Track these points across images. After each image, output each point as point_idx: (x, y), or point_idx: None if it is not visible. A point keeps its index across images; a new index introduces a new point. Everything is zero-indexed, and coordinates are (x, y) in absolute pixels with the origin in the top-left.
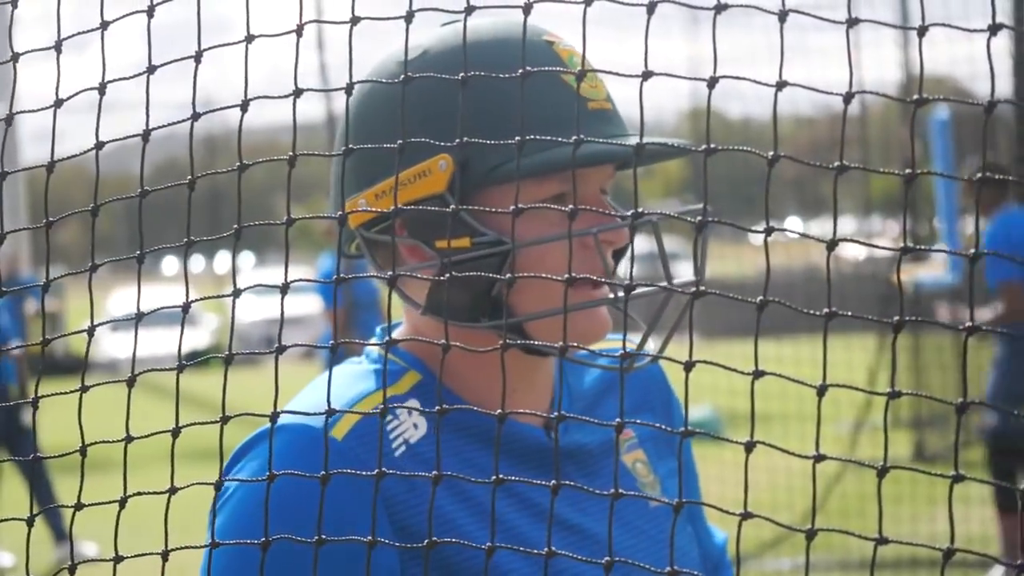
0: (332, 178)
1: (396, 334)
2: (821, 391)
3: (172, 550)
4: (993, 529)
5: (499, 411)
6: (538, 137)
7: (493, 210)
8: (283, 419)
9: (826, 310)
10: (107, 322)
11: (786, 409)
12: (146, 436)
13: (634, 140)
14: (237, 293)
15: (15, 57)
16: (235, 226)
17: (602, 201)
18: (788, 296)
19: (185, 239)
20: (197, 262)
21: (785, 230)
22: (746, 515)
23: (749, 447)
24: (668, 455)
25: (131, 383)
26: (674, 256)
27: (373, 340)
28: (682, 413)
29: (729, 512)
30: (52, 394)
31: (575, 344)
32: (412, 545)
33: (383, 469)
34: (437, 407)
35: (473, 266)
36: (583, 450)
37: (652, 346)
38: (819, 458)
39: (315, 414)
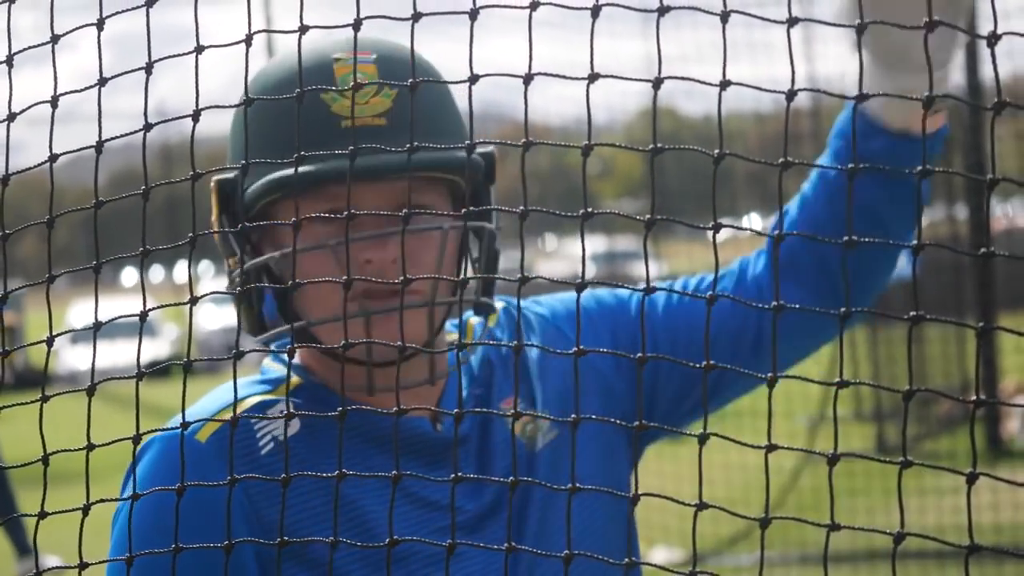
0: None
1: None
2: (771, 383)
3: (136, 556)
4: (949, 519)
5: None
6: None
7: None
8: (160, 432)
9: (774, 303)
10: (66, 332)
11: (739, 406)
12: (108, 444)
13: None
14: (194, 300)
15: None
16: (190, 234)
17: (380, 217)
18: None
19: (141, 249)
20: (156, 272)
21: (732, 226)
22: (702, 506)
23: (702, 439)
24: (566, 372)
25: (91, 392)
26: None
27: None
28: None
29: (686, 504)
30: (13, 404)
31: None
32: (263, 541)
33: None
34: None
35: (245, 281)
36: (470, 433)
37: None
38: (770, 448)
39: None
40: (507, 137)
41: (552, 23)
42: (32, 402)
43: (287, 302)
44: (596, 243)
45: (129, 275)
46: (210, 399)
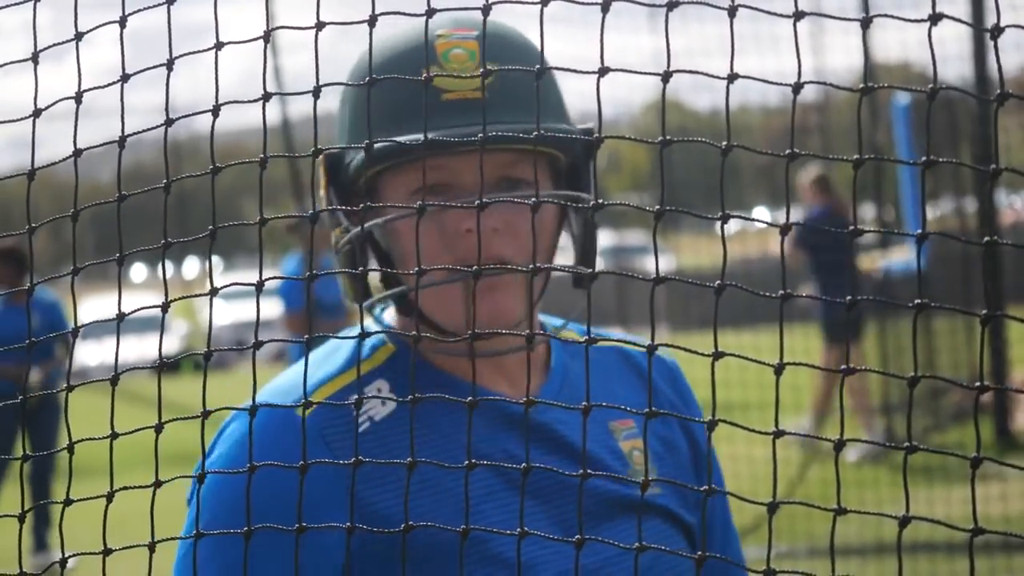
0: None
1: (390, 311)
2: (779, 370)
3: (159, 541)
4: (958, 510)
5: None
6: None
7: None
8: (260, 395)
9: (781, 292)
10: (91, 323)
11: (747, 398)
12: (129, 432)
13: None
14: (214, 291)
15: None
16: (209, 227)
17: (470, 188)
18: (747, 284)
19: (161, 242)
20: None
21: (740, 217)
22: (709, 491)
23: (711, 426)
24: (677, 451)
25: (114, 382)
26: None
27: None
28: (693, 399)
29: (695, 489)
30: (37, 394)
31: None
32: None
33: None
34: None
35: (350, 253)
36: (566, 426)
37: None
38: (778, 434)
39: (289, 404)
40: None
41: (557, 18)
42: (56, 392)
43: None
44: (605, 237)
45: (139, 271)
46: (300, 373)
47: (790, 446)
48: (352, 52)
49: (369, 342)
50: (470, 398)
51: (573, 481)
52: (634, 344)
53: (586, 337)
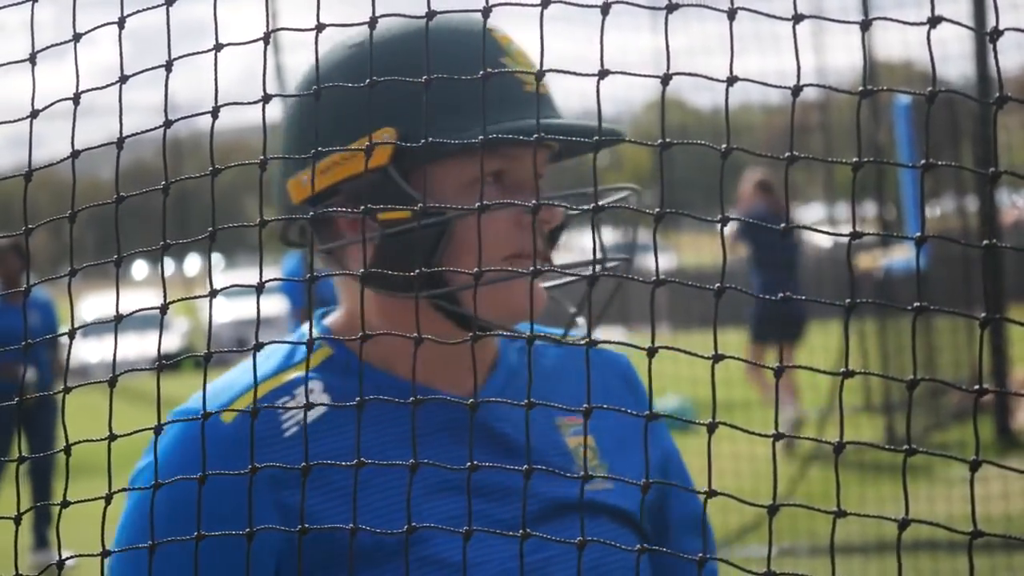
0: (283, 152)
1: (332, 315)
2: (778, 373)
3: (159, 543)
4: (959, 509)
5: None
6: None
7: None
8: (180, 407)
9: (780, 295)
10: (92, 323)
11: (748, 397)
12: (130, 434)
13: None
14: (214, 293)
15: None
16: (209, 228)
17: (535, 183)
18: (748, 285)
19: (160, 243)
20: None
21: (739, 219)
22: (711, 494)
23: (711, 428)
24: (632, 450)
25: (112, 383)
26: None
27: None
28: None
29: (695, 491)
30: (37, 395)
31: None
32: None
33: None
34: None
35: (411, 239)
36: (508, 423)
37: (596, 332)
38: (778, 436)
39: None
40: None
41: (556, 16)
42: (55, 393)
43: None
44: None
45: (139, 268)
46: (235, 375)
47: (790, 445)
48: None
49: (302, 347)
50: (412, 398)
51: (515, 481)
52: (637, 347)
53: (586, 339)
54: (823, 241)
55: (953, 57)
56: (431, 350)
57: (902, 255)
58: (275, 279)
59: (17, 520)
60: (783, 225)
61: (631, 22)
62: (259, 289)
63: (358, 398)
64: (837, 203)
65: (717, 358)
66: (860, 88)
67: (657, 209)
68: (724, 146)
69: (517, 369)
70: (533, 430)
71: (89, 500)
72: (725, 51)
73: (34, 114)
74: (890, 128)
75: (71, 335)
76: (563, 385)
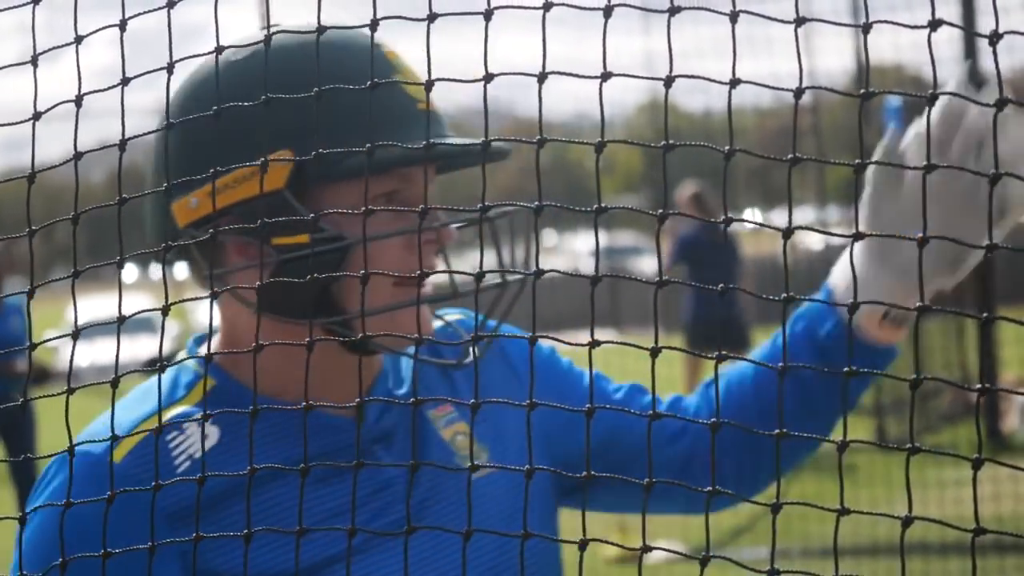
0: (153, 176)
1: (213, 340)
2: (782, 372)
3: (159, 543)
4: (951, 510)
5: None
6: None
7: (337, 210)
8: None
9: (784, 295)
10: (88, 326)
11: None
12: (131, 435)
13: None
14: (215, 295)
15: None
16: (210, 230)
17: (431, 199)
18: (754, 286)
19: (164, 245)
20: (155, 269)
21: (743, 220)
22: (714, 491)
23: (715, 428)
24: (514, 425)
25: (115, 384)
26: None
27: (183, 353)
28: (525, 363)
29: (697, 489)
30: (39, 396)
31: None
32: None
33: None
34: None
35: (309, 263)
36: (394, 431)
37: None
38: (781, 436)
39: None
40: (507, 133)
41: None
42: (58, 394)
43: (328, 290)
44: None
45: (129, 271)
46: (125, 410)
47: None
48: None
49: (184, 380)
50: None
51: (401, 484)
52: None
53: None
54: (815, 244)
55: (943, 60)
56: (316, 374)
57: None
58: (274, 280)
59: (22, 520)
60: (786, 227)
61: (624, 25)
62: (259, 292)
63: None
64: (828, 206)
65: (720, 357)
66: (861, 91)
67: (660, 211)
68: (727, 148)
69: (399, 369)
70: (416, 436)
71: (88, 502)
72: (718, 54)
73: (36, 116)
74: (880, 130)
75: (75, 336)
76: (427, 378)
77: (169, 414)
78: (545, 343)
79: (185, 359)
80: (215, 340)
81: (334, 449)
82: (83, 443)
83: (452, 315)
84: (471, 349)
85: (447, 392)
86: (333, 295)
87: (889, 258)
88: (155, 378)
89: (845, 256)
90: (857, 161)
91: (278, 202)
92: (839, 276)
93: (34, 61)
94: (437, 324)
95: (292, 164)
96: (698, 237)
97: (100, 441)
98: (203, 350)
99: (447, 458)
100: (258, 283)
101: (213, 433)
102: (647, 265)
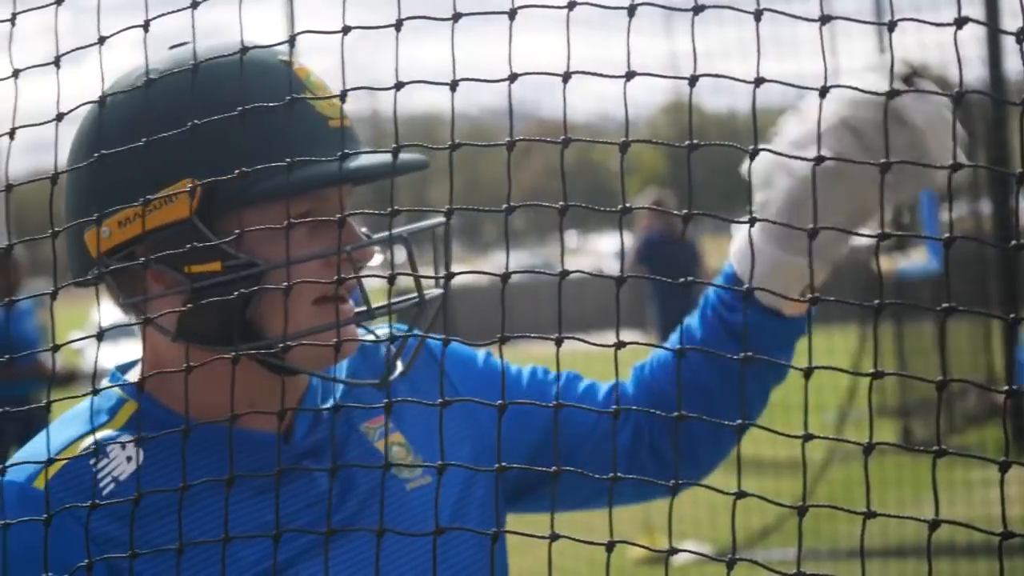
0: (66, 206)
1: (134, 369)
2: (808, 373)
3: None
4: (978, 511)
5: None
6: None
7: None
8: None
9: (809, 296)
10: (113, 327)
11: (770, 399)
12: (156, 436)
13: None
14: (242, 295)
15: (15, 72)
16: (237, 231)
17: (349, 219)
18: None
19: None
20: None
21: (768, 220)
22: (740, 495)
23: (741, 430)
24: (451, 433)
25: (140, 387)
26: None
27: (106, 381)
28: (461, 365)
29: (725, 492)
30: (65, 397)
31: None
32: None
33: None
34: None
35: (223, 290)
36: (324, 446)
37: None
38: (807, 437)
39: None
40: (531, 134)
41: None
42: (84, 395)
43: (245, 312)
44: (617, 239)
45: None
46: (51, 435)
47: (812, 448)
48: (371, 55)
49: (107, 404)
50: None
51: (340, 503)
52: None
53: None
54: None
55: (968, 60)
56: (240, 392)
57: (918, 259)
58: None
59: (47, 523)
60: (882, 232)
61: (647, 26)
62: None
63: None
64: None
65: (744, 359)
66: (886, 89)
67: (684, 211)
68: (752, 147)
69: (324, 386)
70: (348, 453)
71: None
72: (743, 55)
73: (59, 118)
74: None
75: (99, 337)
76: (359, 389)
77: (88, 442)
78: (462, 346)
79: (108, 386)
80: (139, 366)
81: (263, 465)
82: (11, 467)
83: (381, 330)
84: (397, 364)
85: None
86: (252, 321)
87: (787, 241)
88: (80, 404)
89: (740, 238)
90: (883, 160)
91: (188, 229)
92: (739, 260)
93: (57, 62)
94: (368, 338)
95: (198, 192)
96: (660, 239)
97: (35, 462)
98: (130, 376)
99: (393, 487)
100: (166, 311)
101: (138, 456)
102: None
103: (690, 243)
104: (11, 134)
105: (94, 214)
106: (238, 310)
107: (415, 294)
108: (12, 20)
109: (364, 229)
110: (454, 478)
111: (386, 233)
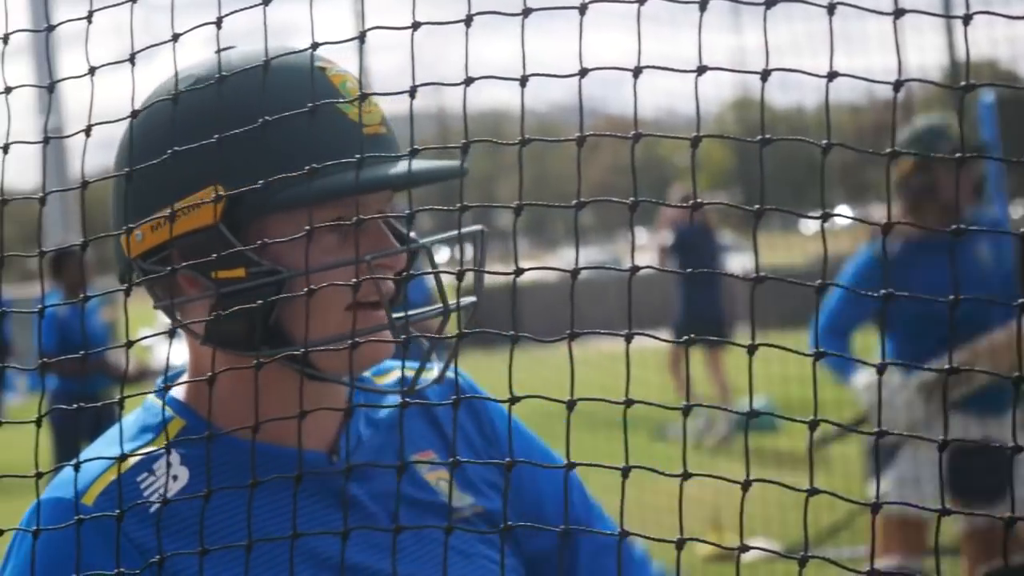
0: (112, 208)
1: (182, 375)
2: (881, 369)
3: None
4: None
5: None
6: (318, 165)
7: (265, 241)
8: (45, 492)
9: (883, 291)
10: (183, 324)
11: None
12: (230, 432)
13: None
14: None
15: (92, 70)
16: (307, 227)
17: (380, 225)
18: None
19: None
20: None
21: (842, 215)
22: (812, 491)
23: (812, 425)
24: (494, 473)
25: (211, 382)
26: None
27: (151, 390)
28: (504, 421)
29: (796, 489)
30: (138, 393)
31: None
32: None
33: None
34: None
35: (249, 296)
36: (368, 469)
37: (436, 369)
38: (881, 434)
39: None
40: (599, 130)
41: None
42: (154, 392)
43: (275, 321)
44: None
45: None
46: (95, 453)
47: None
48: (438, 52)
49: (153, 420)
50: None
51: (384, 521)
52: (738, 344)
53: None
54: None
55: None
56: (283, 409)
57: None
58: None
59: (119, 518)
60: (956, 227)
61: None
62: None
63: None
64: None
65: (818, 355)
66: (962, 83)
67: (756, 206)
68: (824, 142)
69: (366, 412)
70: (387, 474)
71: (189, 498)
72: (812, 51)
73: (134, 115)
74: (972, 127)
75: (171, 335)
76: (408, 422)
77: (138, 456)
78: (520, 422)
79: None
80: (184, 379)
81: (310, 485)
82: (58, 483)
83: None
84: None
85: (434, 438)
86: (281, 326)
87: None
88: (126, 419)
89: None
90: (958, 155)
91: (215, 235)
92: None
93: (132, 60)
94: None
95: (224, 198)
96: (692, 231)
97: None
98: (174, 390)
99: (433, 500)
100: (196, 317)
101: (183, 474)
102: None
103: (712, 231)
104: (87, 131)
105: (131, 214)
106: (261, 317)
107: (467, 298)
108: (88, 18)
109: (412, 233)
110: (497, 519)
111: (414, 242)
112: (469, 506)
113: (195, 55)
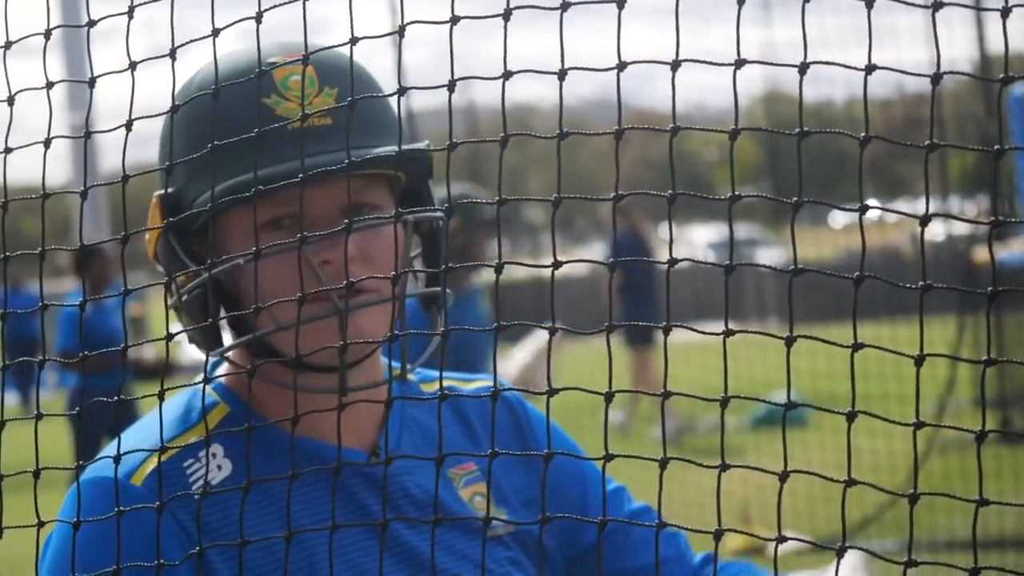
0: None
1: (223, 367)
2: (919, 361)
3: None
4: None
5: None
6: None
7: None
8: (87, 471)
9: (921, 283)
10: (213, 320)
11: (868, 390)
12: (263, 426)
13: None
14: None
15: (132, 65)
16: (345, 220)
17: (331, 219)
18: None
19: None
20: None
21: (879, 207)
22: (850, 482)
23: (851, 417)
24: (530, 483)
25: (250, 374)
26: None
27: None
28: (543, 429)
29: (834, 480)
30: (179, 387)
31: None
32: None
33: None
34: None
35: (200, 297)
36: (404, 468)
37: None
38: (919, 425)
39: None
40: (628, 124)
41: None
42: (189, 385)
43: (240, 314)
44: (712, 231)
45: None
46: (142, 435)
47: (909, 439)
48: (469, 46)
49: (198, 404)
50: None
51: (411, 536)
52: (775, 336)
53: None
54: (938, 235)
55: None
56: (327, 403)
57: (1018, 249)
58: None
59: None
60: (994, 224)
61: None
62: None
63: (290, 472)
64: (950, 196)
65: (856, 347)
66: (1000, 76)
67: (795, 198)
68: (863, 135)
69: (406, 414)
70: (425, 480)
71: (212, 493)
72: (839, 44)
73: (174, 110)
74: (1001, 121)
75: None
76: (447, 431)
77: (184, 441)
78: (561, 429)
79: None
80: (224, 367)
81: (351, 483)
82: (100, 462)
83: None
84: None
85: (469, 449)
86: (244, 322)
87: None
88: (169, 402)
89: None
90: (997, 147)
91: (165, 239)
92: None
93: (172, 54)
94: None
95: (164, 205)
96: (629, 242)
97: (140, 448)
98: (220, 372)
99: (463, 513)
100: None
101: (227, 466)
102: (765, 257)
103: (646, 240)
104: (128, 126)
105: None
106: (209, 317)
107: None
108: (129, 13)
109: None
110: (528, 539)
111: (336, 229)
112: (501, 524)
113: (230, 50)
